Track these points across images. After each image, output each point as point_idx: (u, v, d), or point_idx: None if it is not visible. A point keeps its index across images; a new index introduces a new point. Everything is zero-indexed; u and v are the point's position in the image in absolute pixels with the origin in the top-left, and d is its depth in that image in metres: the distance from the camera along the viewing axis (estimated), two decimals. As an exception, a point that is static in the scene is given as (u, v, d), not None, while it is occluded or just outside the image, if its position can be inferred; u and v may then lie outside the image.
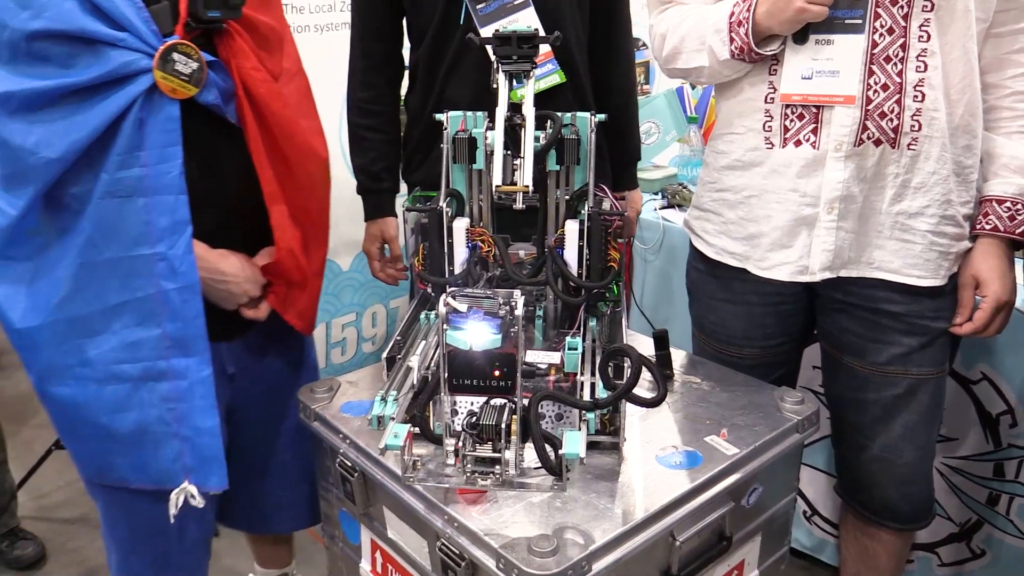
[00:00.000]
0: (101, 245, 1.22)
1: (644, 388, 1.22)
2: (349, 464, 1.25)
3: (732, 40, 1.42)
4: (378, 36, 1.79)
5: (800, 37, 1.39)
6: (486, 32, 1.60)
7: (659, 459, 1.19)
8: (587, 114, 1.31)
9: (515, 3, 1.66)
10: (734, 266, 1.57)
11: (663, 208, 2.49)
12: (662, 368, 1.42)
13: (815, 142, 1.41)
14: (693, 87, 3.19)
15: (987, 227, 1.42)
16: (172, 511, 1.31)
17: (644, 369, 1.09)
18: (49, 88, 1.18)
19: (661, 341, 1.43)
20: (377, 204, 1.84)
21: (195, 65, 1.23)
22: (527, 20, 1.63)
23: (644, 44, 3.37)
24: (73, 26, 1.16)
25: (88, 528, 2.52)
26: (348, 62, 1.85)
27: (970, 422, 1.87)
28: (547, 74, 1.71)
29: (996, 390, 1.82)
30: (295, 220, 1.42)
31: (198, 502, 1.32)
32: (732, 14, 1.42)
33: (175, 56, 1.20)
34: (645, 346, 1.47)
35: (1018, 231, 1.40)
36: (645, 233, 2.44)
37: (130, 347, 1.26)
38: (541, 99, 1.57)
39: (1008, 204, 1.40)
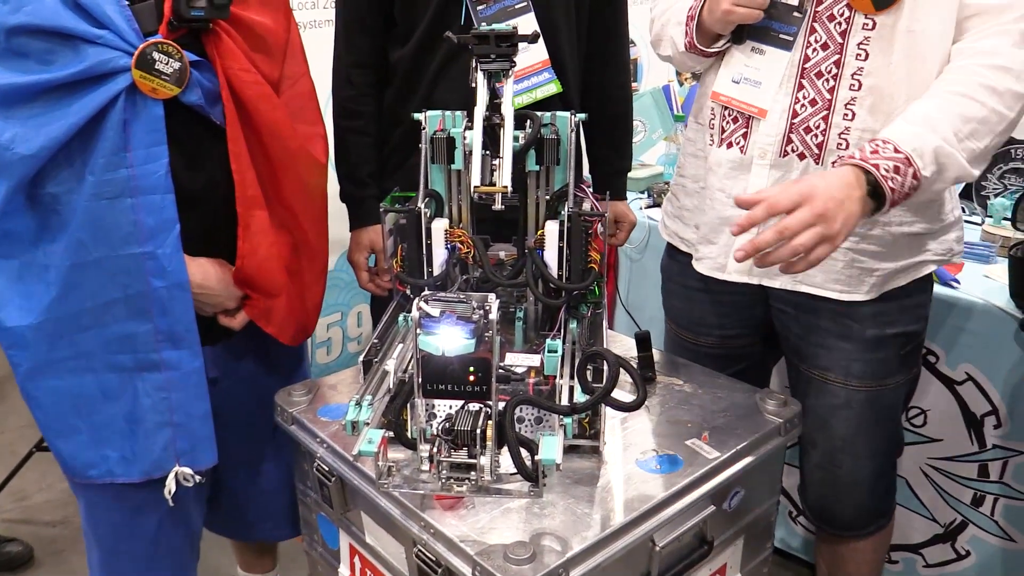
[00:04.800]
0: (91, 246, 1.23)
1: (625, 391, 1.22)
2: (326, 469, 1.24)
3: (686, 33, 1.44)
4: (363, 30, 1.73)
5: (736, 38, 1.41)
6: None
7: (639, 463, 1.17)
8: (567, 113, 1.30)
9: (516, 7, 1.64)
10: (685, 251, 1.59)
11: (649, 207, 2.47)
12: (644, 370, 1.41)
13: (744, 147, 1.42)
14: (680, 84, 3.18)
15: (845, 155, 1.25)
16: (167, 494, 1.33)
17: (624, 372, 1.07)
18: (26, 84, 1.17)
19: (643, 343, 1.42)
20: (364, 212, 1.76)
21: (177, 65, 1.22)
22: (526, 25, 1.61)
23: (632, 42, 3.36)
24: (52, 22, 1.16)
25: (71, 530, 2.50)
26: (332, 58, 1.80)
27: (955, 423, 1.87)
28: (544, 83, 1.68)
29: (980, 391, 1.81)
30: (283, 227, 1.40)
31: (194, 481, 1.35)
32: (691, 8, 1.43)
33: (155, 55, 1.20)
34: (629, 347, 1.46)
35: (871, 162, 1.19)
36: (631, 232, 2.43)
37: (124, 340, 1.28)
38: (531, 107, 1.56)
39: (879, 141, 1.22)
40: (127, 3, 1.19)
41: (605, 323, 1.34)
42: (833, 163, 1.34)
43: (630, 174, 2.65)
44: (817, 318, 1.47)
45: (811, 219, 1.14)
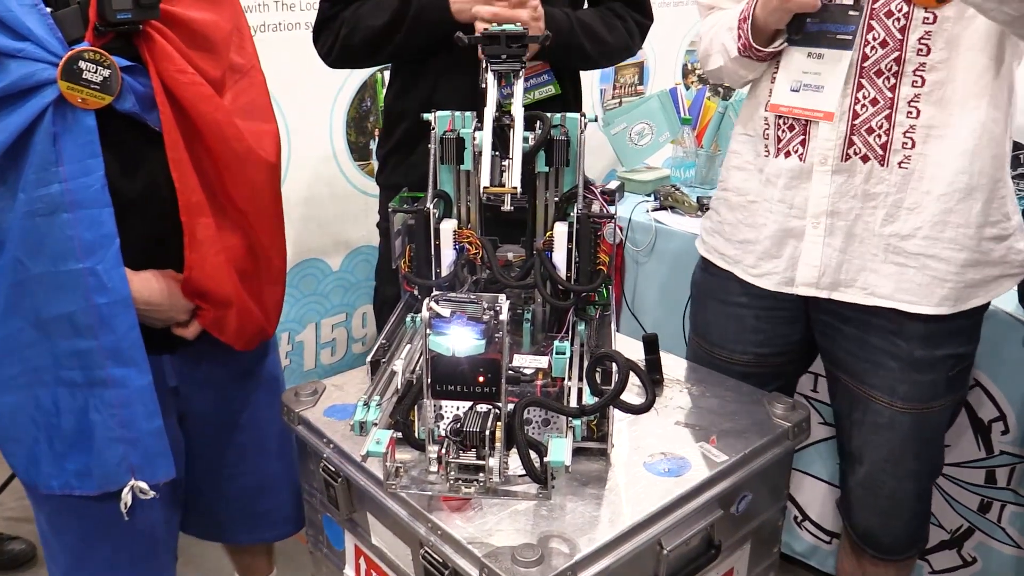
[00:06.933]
0: (28, 263, 1.20)
1: (632, 393, 1.21)
2: (332, 469, 1.23)
3: (739, 36, 1.42)
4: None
5: (795, 29, 1.36)
6: None
7: (647, 466, 1.17)
8: (576, 115, 1.29)
9: None
10: (724, 268, 1.56)
11: (655, 210, 2.47)
12: (651, 373, 1.40)
13: (803, 154, 1.39)
14: (687, 88, 3.17)
15: (911, 153, 1.30)
16: (123, 508, 1.30)
17: (632, 374, 1.07)
18: None
19: (651, 345, 1.41)
20: None
21: (106, 72, 1.16)
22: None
23: (638, 45, 3.36)
24: None
25: (73, 529, 2.50)
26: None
27: (962, 429, 1.86)
28: (543, 84, 1.69)
29: (989, 397, 1.81)
30: (236, 229, 1.37)
31: (148, 495, 1.31)
32: (743, 11, 1.41)
33: (82, 64, 1.14)
34: (635, 350, 1.46)
35: None
36: (637, 235, 2.43)
37: (73, 356, 1.25)
38: (532, 108, 1.56)
39: None
40: (49, 11, 1.13)
41: (613, 325, 1.33)
42: (900, 163, 1.32)
43: (637, 177, 2.66)
44: (867, 333, 1.43)
45: None
